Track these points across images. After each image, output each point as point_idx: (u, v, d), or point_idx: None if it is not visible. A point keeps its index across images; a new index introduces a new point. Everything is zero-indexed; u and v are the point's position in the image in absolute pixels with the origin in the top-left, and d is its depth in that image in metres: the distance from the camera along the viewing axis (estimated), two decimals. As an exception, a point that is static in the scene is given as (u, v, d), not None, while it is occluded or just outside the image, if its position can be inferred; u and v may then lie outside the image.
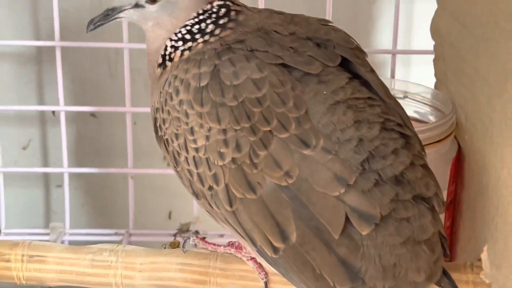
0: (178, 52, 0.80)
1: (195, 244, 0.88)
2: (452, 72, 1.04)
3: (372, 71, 0.81)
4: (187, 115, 0.76)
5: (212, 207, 0.78)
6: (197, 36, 0.80)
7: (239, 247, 0.85)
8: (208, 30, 0.80)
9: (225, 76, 0.75)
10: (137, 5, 0.81)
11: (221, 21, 0.80)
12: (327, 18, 1.14)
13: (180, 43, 0.80)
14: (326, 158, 0.72)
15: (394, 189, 0.73)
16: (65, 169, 1.22)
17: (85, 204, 1.38)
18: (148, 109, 1.16)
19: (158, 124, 0.81)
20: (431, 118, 1.06)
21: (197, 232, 0.90)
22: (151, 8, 0.80)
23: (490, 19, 0.87)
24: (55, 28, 1.16)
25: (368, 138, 0.74)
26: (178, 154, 0.79)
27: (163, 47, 0.82)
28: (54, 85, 1.22)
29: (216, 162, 0.75)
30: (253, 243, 0.76)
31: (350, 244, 0.72)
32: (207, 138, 0.75)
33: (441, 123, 0.98)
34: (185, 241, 0.88)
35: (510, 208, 0.79)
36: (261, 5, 1.15)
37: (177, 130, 0.78)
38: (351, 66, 0.79)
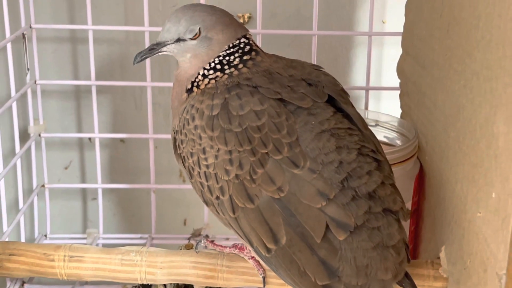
0: (206, 80, 0.79)
1: (206, 246, 0.88)
2: (415, 105, 1.04)
3: (353, 107, 0.81)
4: (200, 137, 0.76)
5: (218, 213, 0.78)
6: (226, 67, 0.79)
7: (242, 248, 0.85)
8: (234, 62, 0.79)
9: (233, 108, 0.75)
10: (179, 40, 0.79)
11: (245, 57, 0.80)
12: (312, 60, 1.14)
13: (212, 71, 0.79)
14: (311, 177, 0.72)
15: (368, 203, 0.73)
16: (99, 185, 1.22)
17: (116, 213, 1.37)
18: (166, 136, 1.17)
19: (177, 144, 0.81)
20: (398, 142, 1.06)
21: (207, 236, 0.89)
22: (191, 42, 0.79)
23: (445, 62, 0.87)
24: (91, 70, 1.17)
25: (347, 161, 0.74)
26: (193, 169, 0.79)
27: (196, 75, 0.80)
28: (90, 116, 1.22)
29: (222, 177, 0.75)
30: (250, 243, 0.76)
31: (329, 248, 0.72)
32: (216, 157, 0.75)
33: (406, 146, 0.97)
34: (197, 244, 0.88)
35: (462, 215, 0.79)
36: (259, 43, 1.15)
37: (192, 149, 0.78)
38: (336, 103, 0.79)
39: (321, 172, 0.73)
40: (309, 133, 0.74)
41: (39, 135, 1.20)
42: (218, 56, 0.80)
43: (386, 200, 0.75)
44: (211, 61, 0.80)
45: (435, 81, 0.91)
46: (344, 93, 0.81)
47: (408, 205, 0.99)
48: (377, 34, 1.21)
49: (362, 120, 0.80)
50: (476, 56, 0.75)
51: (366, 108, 1.21)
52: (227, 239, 1.20)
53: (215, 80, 0.79)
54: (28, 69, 1.16)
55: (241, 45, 0.80)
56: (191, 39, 0.79)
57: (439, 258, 0.85)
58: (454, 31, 0.84)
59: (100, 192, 1.22)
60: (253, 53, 0.81)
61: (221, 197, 0.76)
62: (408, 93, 1.07)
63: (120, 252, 0.88)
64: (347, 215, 0.72)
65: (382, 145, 0.83)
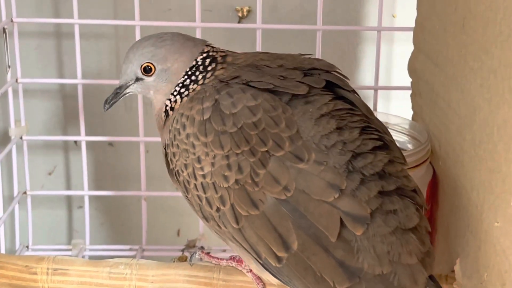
0: (179, 100, 0.81)
1: (201, 258, 0.88)
2: (427, 105, 1.04)
3: (354, 92, 0.81)
4: (193, 146, 0.76)
5: (220, 227, 0.77)
6: (191, 85, 0.81)
7: (239, 261, 0.85)
8: (199, 78, 0.81)
9: (225, 107, 0.75)
10: (137, 79, 0.83)
11: (209, 68, 0.81)
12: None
13: (178, 97, 0.82)
14: (319, 169, 0.72)
15: (379, 183, 0.73)
16: (86, 192, 1.22)
17: (103, 223, 1.37)
18: (158, 139, 1.17)
19: (169, 158, 0.81)
20: (409, 146, 1.06)
21: (202, 248, 0.89)
22: (148, 79, 0.83)
23: (460, 59, 0.87)
24: (77, 68, 1.17)
25: (349, 140, 0.74)
26: (188, 182, 0.78)
27: (163, 107, 0.83)
28: (76, 118, 1.22)
29: (221, 185, 0.75)
30: (258, 256, 0.75)
31: (346, 247, 0.71)
32: (213, 164, 0.75)
33: (418, 150, 0.97)
34: (191, 256, 0.88)
35: (479, 225, 0.79)
36: (258, 46, 1.16)
37: (185, 160, 0.78)
38: (336, 89, 0.79)
39: (327, 163, 0.73)
40: (309, 121, 0.74)
41: (21, 138, 1.20)
42: (178, 85, 0.82)
43: (399, 177, 0.75)
44: (172, 91, 0.82)
45: (449, 80, 0.92)
46: (342, 76, 0.82)
47: (420, 214, 0.99)
48: (387, 29, 1.21)
49: (365, 105, 0.80)
50: (494, 53, 0.75)
51: (375, 109, 1.21)
52: (224, 251, 1.20)
53: (194, 90, 0.81)
54: (9, 67, 1.16)
55: (199, 64, 0.82)
56: (148, 76, 0.82)
57: (453, 271, 0.85)
58: (469, 26, 0.84)
59: (86, 199, 1.22)
60: (219, 58, 0.82)
61: (221, 208, 0.76)
62: (420, 93, 1.08)
63: (108, 265, 0.88)
64: (361, 207, 0.72)
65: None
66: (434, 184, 1.01)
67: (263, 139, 0.73)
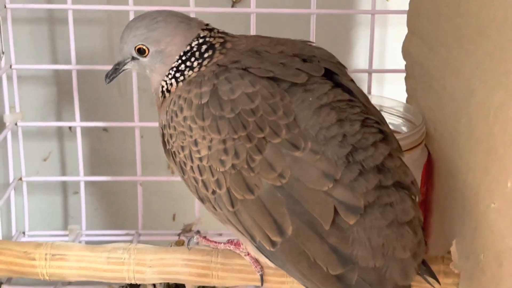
0: (174, 84, 0.82)
1: (198, 242, 0.88)
2: (422, 88, 1.04)
3: (352, 81, 0.81)
4: (191, 129, 0.77)
5: (215, 209, 0.78)
6: (186, 71, 0.81)
7: (237, 244, 0.85)
8: (195, 65, 0.81)
9: (223, 93, 0.75)
10: (133, 58, 0.84)
11: (205, 55, 0.81)
12: (311, 42, 1.14)
13: (173, 80, 0.82)
14: (314, 158, 0.73)
15: (377, 177, 0.74)
16: (82, 177, 1.22)
17: (98, 208, 1.37)
18: (153, 124, 1.17)
19: (166, 139, 0.81)
20: (404, 129, 1.06)
21: (198, 232, 0.89)
22: (143, 59, 0.83)
23: (454, 42, 0.87)
24: (71, 54, 1.16)
25: (350, 133, 0.74)
26: (185, 164, 0.79)
27: (159, 87, 0.84)
28: (71, 104, 1.22)
29: (218, 169, 0.75)
30: (253, 239, 0.76)
31: (340, 234, 0.72)
32: (209, 148, 0.75)
33: (413, 133, 0.98)
34: (189, 240, 0.88)
35: (475, 207, 0.79)
36: (252, 30, 1.15)
37: (182, 143, 0.78)
38: (334, 77, 0.79)
39: (324, 152, 0.73)
40: (307, 111, 0.75)
41: (16, 124, 1.19)
42: (172, 68, 0.82)
43: (397, 172, 0.75)
44: (167, 73, 0.83)
45: (444, 63, 0.92)
46: (341, 66, 0.82)
47: (416, 197, 0.99)
48: (381, 12, 1.21)
49: (363, 94, 0.80)
50: (489, 35, 0.76)
51: (369, 92, 1.21)
52: (220, 234, 1.20)
53: (189, 76, 0.81)
54: (2, 53, 1.16)
55: (194, 49, 0.82)
56: (143, 57, 0.84)
57: (449, 252, 0.86)
58: (464, 9, 0.84)
59: (82, 185, 1.22)
60: (217, 44, 0.82)
61: (217, 191, 0.76)
62: (414, 76, 1.08)
63: (106, 250, 0.88)
64: (355, 197, 0.72)
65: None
66: (429, 166, 1.01)
67: (260, 126, 0.74)
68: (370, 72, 1.19)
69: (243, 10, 1.21)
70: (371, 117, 0.77)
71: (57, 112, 1.31)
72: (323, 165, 0.72)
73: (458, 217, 0.85)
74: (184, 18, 0.84)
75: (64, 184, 1.36)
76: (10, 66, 1.17)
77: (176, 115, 0.78)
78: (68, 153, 1.34)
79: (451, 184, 0.89)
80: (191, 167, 0.78)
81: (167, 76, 0.82)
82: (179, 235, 1.22)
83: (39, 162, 1.34)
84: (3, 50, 1.16)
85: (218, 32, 0.84)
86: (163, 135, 0.82)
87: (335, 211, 0.72)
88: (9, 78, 1.18)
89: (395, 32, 1.28)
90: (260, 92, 0.75)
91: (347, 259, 0.72)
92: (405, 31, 1.11)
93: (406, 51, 1.11)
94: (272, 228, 0.73)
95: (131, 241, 1.18)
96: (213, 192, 0.76)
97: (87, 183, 1.27)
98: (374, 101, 1.09)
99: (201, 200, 0.79)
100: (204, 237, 0.88)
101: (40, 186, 1.34)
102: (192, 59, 0.82)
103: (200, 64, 0.81)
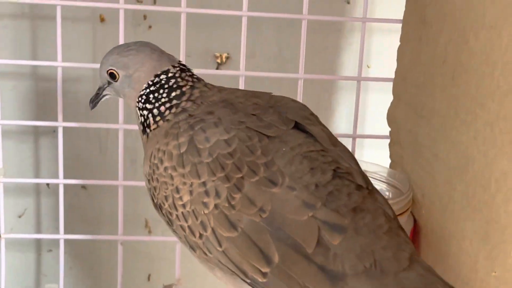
0: (152, 121, 0.84)
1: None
2: (409, 155, 1.05)
3: (321, 125, 0.83)
4: (171, 177, 0.78)
5: (206, 254, 0.78)
6: (157, 104, 0.83)
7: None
8: (163, 98, 0.83)
9: (199, 142, 0.77)
10: (109, 83, 0.88)
11: (173, 94, 0.83)
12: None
13: (145, 112, 0.84)
14: (291, 194, 0.73)
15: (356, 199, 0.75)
16: (61, 235, 1.19)
17: (72, 267, 1.34)
18: (135, 183, 1.16)
19: (151, 193, 0.82)
20: (388, 195, 1.07)
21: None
22: (116, 84, 0.87)
23: (449, 111, 0.88)
24: (58, 109, 1.15)
25: (322, 184, 0.75)
26: (170, 213, 0.79)
27: (138, 117, 0.86)
28: (49, 160, 1.20)
29: (202, 212, 0.76)
30: (245, 274, 0.76)
31: (326, 252, 0.72)
32: (191, 192, 0.76)
33: (401, 199, 0.98)
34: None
35: (473, 274, 0.80)
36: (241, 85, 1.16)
37: (165, 192, 0.79)
38: (301, 126, 0.80)
39: (300, 189, 0.74)
40: (281, 160, 0.76)
41: (-3, 181, 1.17)
42: (141, 95, 0.84)
43: (375, 212, 0.76)
44: (137, 100, 0.85)
45: (436, 131, 0.93)
46: (312, 116, 0.83)
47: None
48: (367, 79, 1.23)
49: (330, 136, 0.82)
50: (490, 107, 0.77)
51: (352, 157, 1.22)
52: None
53: (167, 120, 0.82)
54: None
55: (162, 82, 0.84)
56: (114, 81, 0.87)
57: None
58: (461, 79, 0.85)
59: (61, 243, 1.19)
60: (186, 87, 0.84)
61: (204, 233, 0.76)
62: (400, 142, 1.09)
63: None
64: (339, 216, 0.73)
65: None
66: (415, 232, 1.02)
67: (238, 166, 0.75)
68: (354, 137, 1.20)
69: (233, 73, 1.22)
70: (342, 165, 0.78)
71: (36, 168, 1.29)
72: (303, 195, 0.73)
73: (452, 283, 0.85)
74: (157, 51, 0.87)
75: (38, 242, 1.33)
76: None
77: (157, 167, 0.80)
78: (44, 210, 1.31)
79: (443, 250, 0.89)
80: (176, 215, 0.78)
81: (137, 103, 0.85)
82: (160, 296, 1.20)
83: (14, 218, 1.31)
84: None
85: (192, 76, 0.86)
86: (149, 190, 0.83)
87: (319, 231, 0.72)
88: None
89: (376, 98, 1.30)
90: (238, 136, 0.76)
91: (336, 276, 0.72)
92: (385, 97, 1.13)
93: (392, 118, 1.12)
94: (259, 258, 0.74)
95: (109, 302, 1.16)
96: (200, 236, 0.77)
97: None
98: (359, 166, 1.10)
99: (192, 249, 0.80)
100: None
101: (14, 243, 1.31)
102: (161, 91, 0.84)
103: (170, 101, 0.83)
